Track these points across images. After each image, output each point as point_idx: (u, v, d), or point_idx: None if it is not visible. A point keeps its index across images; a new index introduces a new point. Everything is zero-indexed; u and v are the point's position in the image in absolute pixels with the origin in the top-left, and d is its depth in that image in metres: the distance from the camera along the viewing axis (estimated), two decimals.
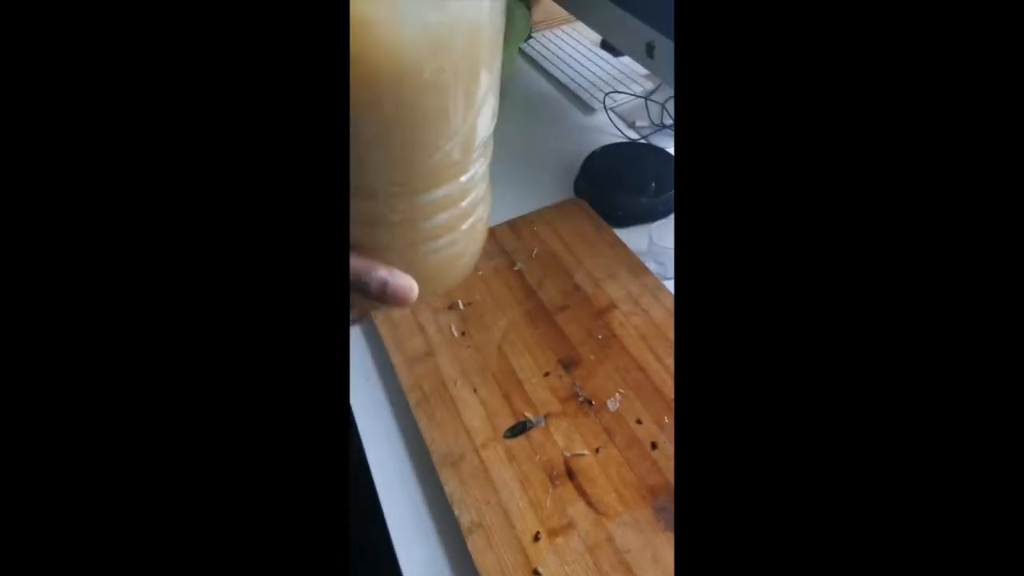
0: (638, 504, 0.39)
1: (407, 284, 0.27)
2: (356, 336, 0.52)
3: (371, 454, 0.45)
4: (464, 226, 0.29)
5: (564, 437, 0.43)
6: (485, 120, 0.26)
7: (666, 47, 0.56)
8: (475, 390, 0.46)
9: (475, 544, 0.38)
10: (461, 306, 0.52)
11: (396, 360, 0.48)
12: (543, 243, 0.57)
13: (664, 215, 0.60)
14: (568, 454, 0.42)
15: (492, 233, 0.57)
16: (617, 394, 0.45)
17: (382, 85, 0.22)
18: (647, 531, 0.37)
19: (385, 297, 0.26)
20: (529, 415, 0.44)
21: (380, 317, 0.51)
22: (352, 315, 0.32)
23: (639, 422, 0.43)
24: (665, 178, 0.61)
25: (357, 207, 0.25)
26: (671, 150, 0.65)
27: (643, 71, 0.79)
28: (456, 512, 0.39)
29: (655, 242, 0.55)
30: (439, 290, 0.34)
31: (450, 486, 0.40)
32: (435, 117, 0.23)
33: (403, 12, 0.21)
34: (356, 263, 0.26)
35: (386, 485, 0.43)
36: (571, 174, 0.65)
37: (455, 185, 0.26)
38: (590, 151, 0.65)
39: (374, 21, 0.21)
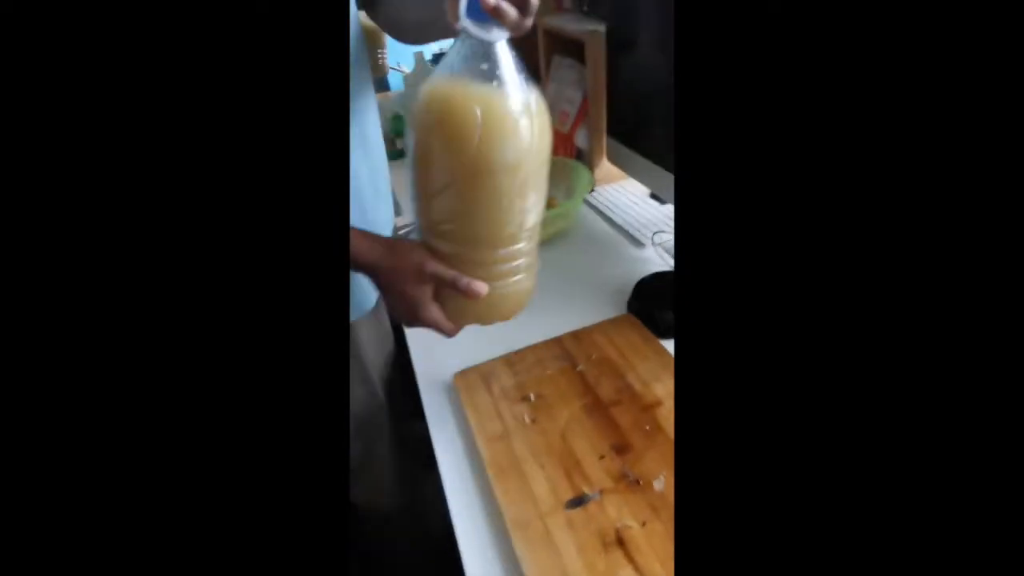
0: None
1: (480, 286, 0.44)
2: (448, 420, 0.60)
3: (455, 515, 0.50)
4: (512, 279, 0.46)
5: (616, 510, 0.46)
6: (533, 215, 0.44)
7: None
8: (542, 467, 0.51)
9: None
10: (532, 398, 0.59)
11: (479, 440, 0.55)
12: (600, 349, 0.64)
13: None
14: (619, 525, 0.45)
15: (559, 341, 0.66)
16: (662, 476, 0.48)
17: (486, 184, 0.40)
18: None
19: (468, 291, 0.43)
20: (586, 490, 0.49)
21: (468, 405, 0.59)
22: (451, 326, 0.48)
23: None
24: None
25: (464, 251, 0.44)
26: None
27: None
28: (523, 568, 0.43)
29: None
30: (493, 318, 0.49)
31: (520, 547, 0.45)
32: (507, 207, 0.41)
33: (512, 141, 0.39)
34: (450, 272, 0.43)
35: (467, 542, 0.48)
36: (625, 295, 0.73)
37: (511, 251, 0.44)
38: (640, 278, 0.74)
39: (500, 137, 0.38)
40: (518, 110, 0.38)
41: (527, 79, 0.39)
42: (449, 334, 0.49)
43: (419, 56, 1.20)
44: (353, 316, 0.62)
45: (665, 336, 0.65)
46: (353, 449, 0.64)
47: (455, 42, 0.39)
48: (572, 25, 0.97)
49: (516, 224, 0.43)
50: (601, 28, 0.91)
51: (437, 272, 0.43)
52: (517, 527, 0.46)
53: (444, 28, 0.47)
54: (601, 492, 0.48)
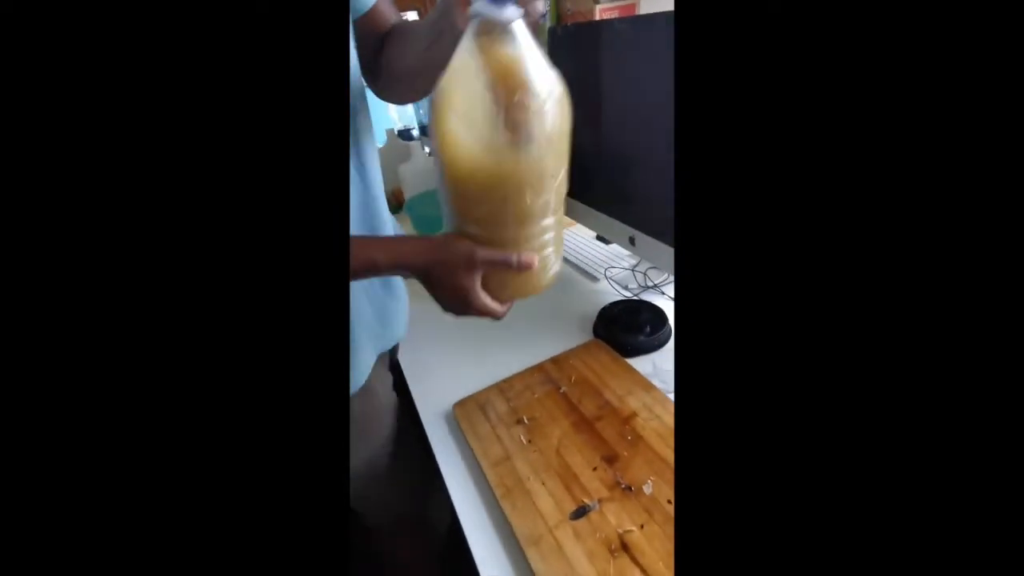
0: None
1: (531, 256, 0.40)
2: (452, 447, 0.56)
3: (470, 537, 0.47)
4: (545, 252, 0.42)
5: (615, 517, 0.45)
6: (556, 197, 0.40)
7: (643, 239, 0.68)
8: (543, 483, 0.49)
9: None
10: (526, 421, 0.57)
11: (483, 464, 0.52)
12: (578, 372, 0.63)
13: (659, 347, 0.67)
14: (621, 531, 0.44)
15: (542, 368, 0.65)
16: (649, 481, 0.48)
17: (517, 181, 0.36)
18: None
19: (521, 265, 0.39)
20: (586, 500, 0.47)
21: (470, 433, 0.56)
22: (503, 306, 0.44)
23: (669, 502, 0.45)
24: (655, 322, 0.69)
25: (496, 232, 0.39)
26: (655, 302, 0.75)
27: (627, 252, 0.92)
28: None
29: (657, 366, 0.62)
30: (531, 291, 0.45)
31: (535, 562, 0.42)
32: (534, 193, 0.37)
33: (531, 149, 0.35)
34: (500, 254, 0.39)
35: (482, 562, 0.44)
36: (588, 322, 0.74)
37: (541, 226, 0.40)
38: (600, 307, 0.75)
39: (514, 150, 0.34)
40: (544, 91, 0.33)
41: (547, 58, 0.33)
42: (499, 316, 0.44)
43: (390, 132, 1.19)
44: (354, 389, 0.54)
45: (629, 355, 0.66)
46: (359, 462, 0.58)
47: (465, 35, 0.32)
48: None
49: (545, 202, 0.38)
50: None
51: (487, 257, 0.39)
52: (530, 543, 0.43)
53: (439, 63, 0.39)
54: (600, 501, 0.46)
